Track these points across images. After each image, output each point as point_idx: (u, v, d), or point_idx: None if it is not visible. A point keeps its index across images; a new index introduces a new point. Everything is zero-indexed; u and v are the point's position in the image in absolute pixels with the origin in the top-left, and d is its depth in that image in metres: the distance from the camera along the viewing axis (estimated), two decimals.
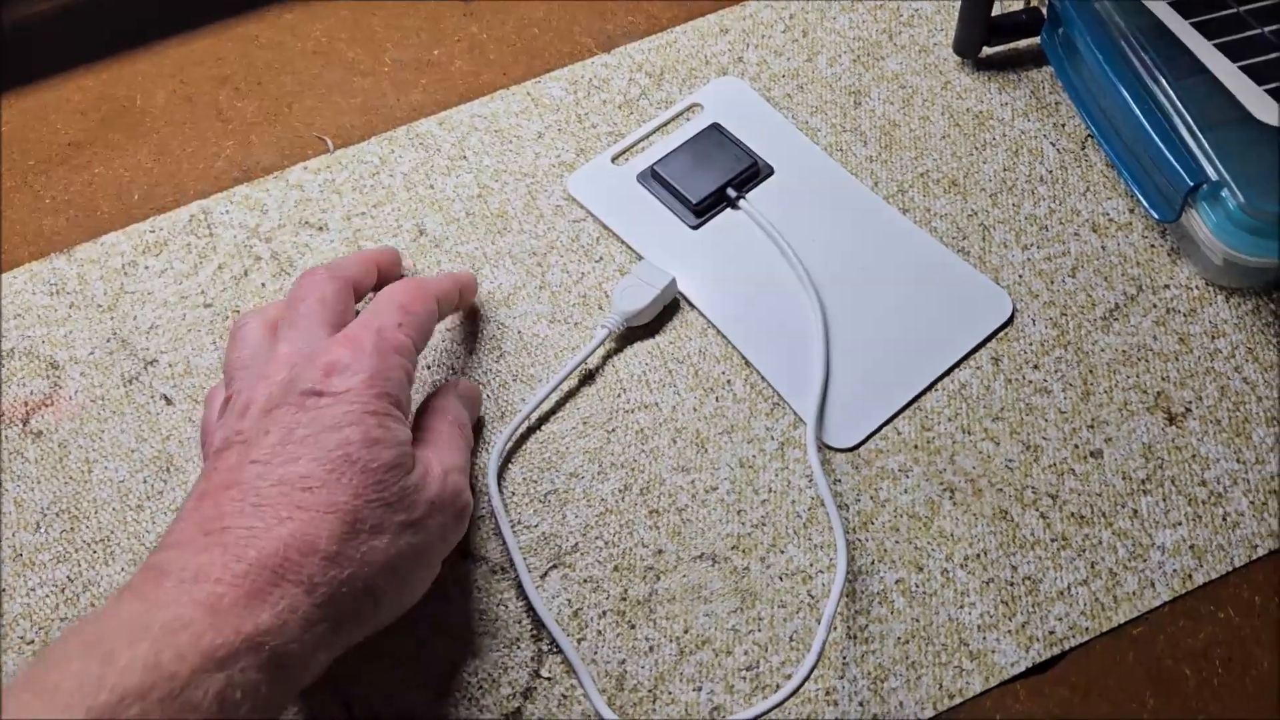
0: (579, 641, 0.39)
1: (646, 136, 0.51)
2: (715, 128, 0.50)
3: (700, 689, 0.38)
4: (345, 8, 0.57)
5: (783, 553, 0.41)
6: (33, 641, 0.40)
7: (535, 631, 0.39)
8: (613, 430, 0.44)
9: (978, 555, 0.40)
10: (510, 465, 0.43)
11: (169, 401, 0.45)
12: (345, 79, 0.55)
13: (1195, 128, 0.44)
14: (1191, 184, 0.43)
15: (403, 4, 0.57)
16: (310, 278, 0.39)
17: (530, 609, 0.40)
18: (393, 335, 0.37)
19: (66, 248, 0.50)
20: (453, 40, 0.56)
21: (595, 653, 0.39)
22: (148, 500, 0.43)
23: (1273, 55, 0.44)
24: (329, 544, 0.32)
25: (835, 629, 0.39)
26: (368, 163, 0.51)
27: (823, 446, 0.43)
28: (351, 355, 0.35)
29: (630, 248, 0.48)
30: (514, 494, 0.42)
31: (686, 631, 0.39)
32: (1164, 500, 0.41)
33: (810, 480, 0.42)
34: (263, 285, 0.48)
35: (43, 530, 0.42)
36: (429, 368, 0.46)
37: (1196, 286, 0.45)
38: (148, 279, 0.49)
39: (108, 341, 0.47)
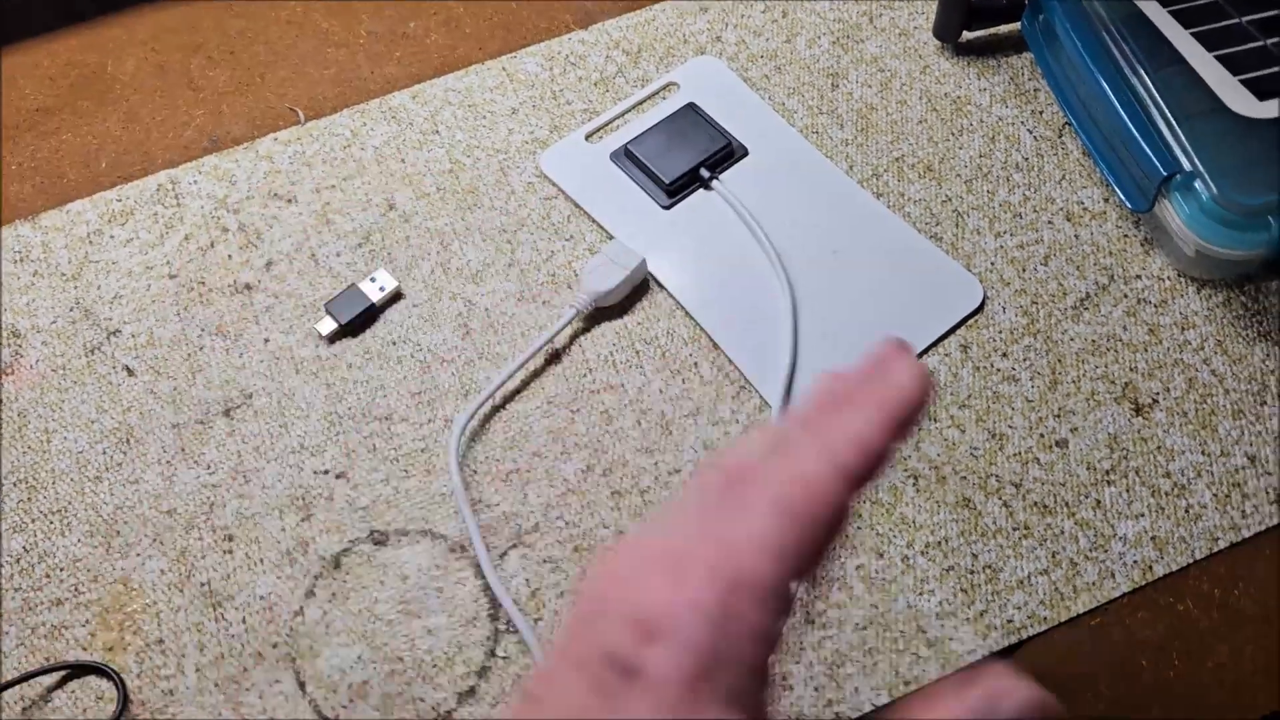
0: (536, 621, 0.39)
1: (622, 115, 0.51)
2: (691, 107, 0.50)
3: None
4: None
5: None
6: None
7: (493, 611, 0.39)
8: (577, 410, 0.43)
9: (939, 543, 0.40)
10: (474, 444, 0.43)
11: (131, 373, 0.45)
12: (319, 50, 0.54)
13: (1171, 118, 0.43)
14: (1165, 174, 0.42)
15: None
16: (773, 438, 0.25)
17: (488, 588, 0.40)
18: (754, 588, 0.23)
19: (32, 215, 0.49)
20: (429, 13, 0.55)
21: (552, 633, 0.39)
22: (106, 471, 0.43)
23: (1250, 45, 0.43)
24: None
25: (793, 614, 0.39)
26: (339, 135, 0.51)
27: None
28: (679, 611, 0.23)
29: (601, 227, 0.48)
30: (475, 472, 0.42)
31: None
32: (1127, 491, 0.41)
33: None
34: (229, 257, 0.48)
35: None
36: (400, 360, 0.45)
37: (1168, 278, 0.45)
38: (113, 248, 0.48)
39: (70, 310, 0.46)
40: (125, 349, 0.45)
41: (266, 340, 0.45)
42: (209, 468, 0.43)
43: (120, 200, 0.49)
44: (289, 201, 0.49)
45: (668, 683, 0.22)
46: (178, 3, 0.56)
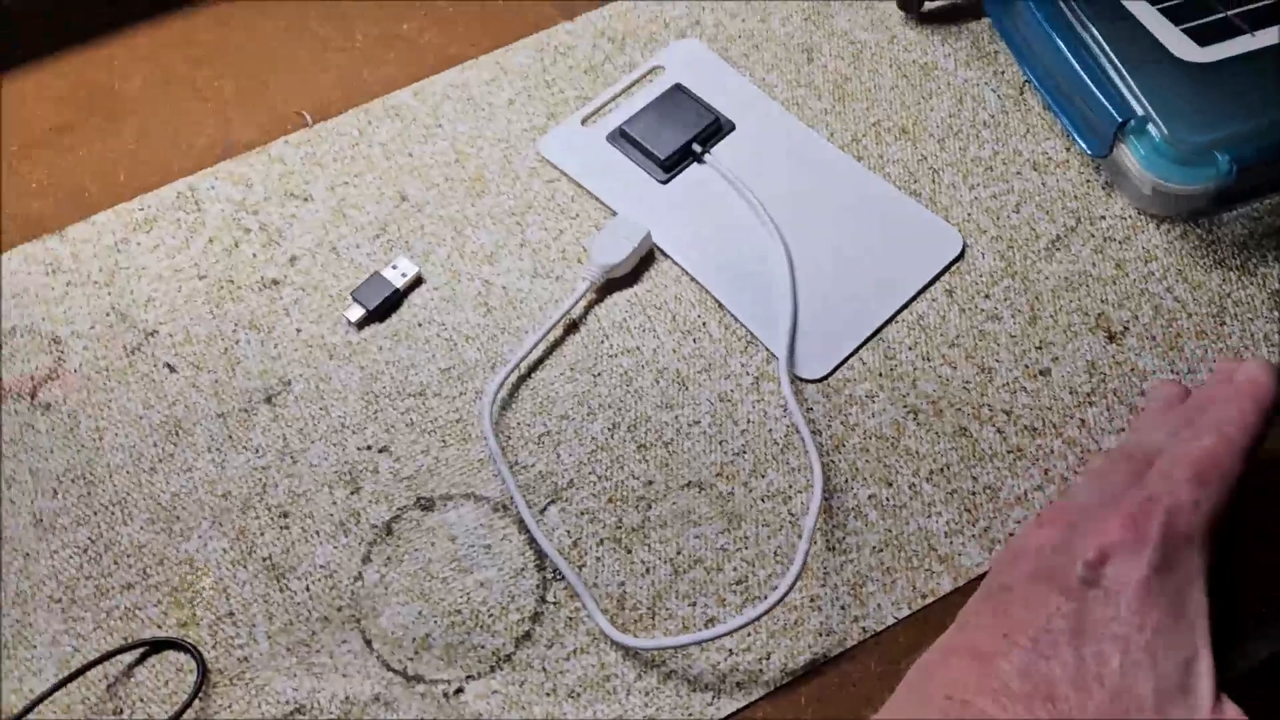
0: (580, 568, 0.42)
1: (613, 99, 0.54)
2: (678, 88, 0.53)
3: (695, 604, 0.41)
4: None
5: (763, 477, 0.44)
6: (59, 600, 0.42)
7: (539, 562, 0.42)
8: (599, 374, 0.46)
9: (941, 469, 0.44)
10: (504, 412, 0.46)
11: (172, 369, 0.47)
12: (318, 55, 0.57)
13: (1122, 68, 0.47)
14: (1120, 120, 0.46)
15: None
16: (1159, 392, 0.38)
17: (532, 541, 0.43)
18: (1186, 521, 0.31)
19: (58, 229, 0.51)
20: (420, 14, 0.58)
21: (596, 577, 0.42)
22: (160, 463, 0.45)
23: None
24: None
25: (815, 543, 0.42)
26: (346, 135, 0.54)
27: (795, 379, 0.46)
28: (1132, 542, 0.31)
29: (604, 204, 0.51)
30: (510, 438, 0.45)
31: (679, 553, 0.42)
32: (1108, 410, 0.44)
33: (785, 410, 0.45)
34: (254, 255, 0.50)
35: (60, 496, 0.45)
36: (427, 340, 0.48)
37: (1129, 216, 0.49)
38: (141, 254, 0.50)
39: (107, 315, 0.49)
40: (164, 347, 0.48)
41: (299, 330, 0.48)
42: (257, 451, 0.45)
43: (142, 209, 0.52)
44: (305, 200, 0.52)
45: (1126, 591, 0.30)
46: (173, 18, 0.59)
